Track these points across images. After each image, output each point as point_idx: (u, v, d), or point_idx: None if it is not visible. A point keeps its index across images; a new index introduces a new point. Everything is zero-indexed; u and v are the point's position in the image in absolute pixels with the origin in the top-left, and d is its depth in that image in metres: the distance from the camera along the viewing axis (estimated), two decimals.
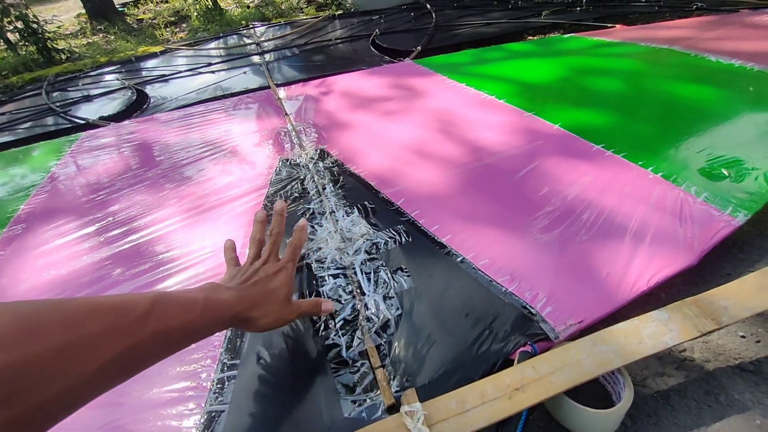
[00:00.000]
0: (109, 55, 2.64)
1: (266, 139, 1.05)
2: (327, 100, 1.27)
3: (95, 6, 4.20)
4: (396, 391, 0.44)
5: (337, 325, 0.52)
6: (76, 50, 3.23)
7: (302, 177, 0.86)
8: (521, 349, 0.45)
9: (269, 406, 0.45)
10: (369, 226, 0.68)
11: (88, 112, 1.61)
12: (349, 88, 1.32)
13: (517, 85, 1.15)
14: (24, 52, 3.10)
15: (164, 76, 1.93)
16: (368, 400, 0.44)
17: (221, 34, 2.80)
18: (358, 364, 0.48)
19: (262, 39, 2.42)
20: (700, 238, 0.57)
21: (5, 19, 3.09)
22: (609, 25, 1.64)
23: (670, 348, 0.42)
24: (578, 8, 1.98)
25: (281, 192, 0.81)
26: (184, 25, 3.81)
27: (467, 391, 0.40)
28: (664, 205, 0.63)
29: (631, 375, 0.45)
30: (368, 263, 0.61)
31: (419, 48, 1.71)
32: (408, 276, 0.58)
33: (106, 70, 2.26)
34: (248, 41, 2.42)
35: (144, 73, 2.06)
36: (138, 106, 1.61)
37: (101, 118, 1.48)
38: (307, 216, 0.73)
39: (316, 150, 0.96)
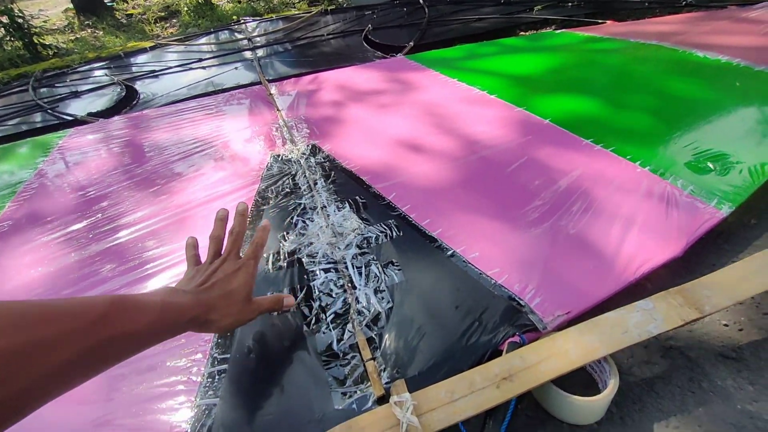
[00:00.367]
0: (98, 51, 2.59)
1: (258, 135, 1.05)
2: (319, 95, 1.26)
3: (83, 1, 4.12)
4: (386, 383, 0.44)
5: (328, 319, 0.53)
6: (64, 46, 3.17)
7: (294, 172, 0.85)
8: (510, 339, 0.46)
9: (260, 399, 0.45)
10: (360, 221, 0.68)
11: (76, 108, 1.58)
12: (341, 84, 1.32)
13: (508, 80, 1.16)
14: (10, 48, 3.03)
15: (154, 71, 1.90)
16: (359, 392, 0.44)
17: (212, 30, 2.76)
18: (349, 356, 0.48)
19: (254, 34, 2.40)
20: (685, 230, 0.58)
21: None
22: (600, 21, 1.65)
23: (655, 336, 0.43)
24: (569, 4, 1.99)
25: (272, 188, 0.81)
26: (174, 20, 3.75)
27: (456, 381, 0.41)
28: (651, 198, 0.64)
29: (618, 363, 0.45)
30: (359, 257, 0.61)
31: (412, 43, 1.70)
32: (399, 270, 0.58)
33: (95, 65, 2.22)
34: (240, 36, 2.39)
35: (133, 69, 2.03)
36: (127, 102, 1.58)
37: (90, 114, 1.46)
38: (299, 211, 0.73)
39: (308, 145, 0.96)
